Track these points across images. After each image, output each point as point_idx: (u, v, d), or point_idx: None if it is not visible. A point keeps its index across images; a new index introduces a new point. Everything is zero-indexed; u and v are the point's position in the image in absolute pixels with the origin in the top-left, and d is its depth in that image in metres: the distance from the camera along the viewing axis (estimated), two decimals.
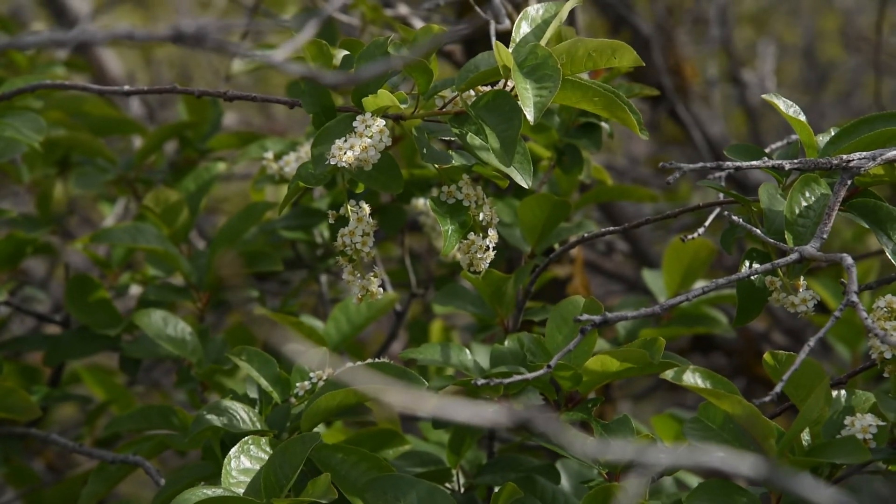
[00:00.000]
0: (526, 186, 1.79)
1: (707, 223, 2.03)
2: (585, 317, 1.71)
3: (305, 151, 2.43)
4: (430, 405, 1.74)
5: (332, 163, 1.76)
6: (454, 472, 2.12)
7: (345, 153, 1.76)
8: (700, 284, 2.20)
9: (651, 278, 2.64)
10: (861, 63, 5.65)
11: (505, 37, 1.93)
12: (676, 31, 4.66)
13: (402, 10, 2.86)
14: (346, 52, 1.90)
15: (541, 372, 1.72)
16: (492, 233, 1.89)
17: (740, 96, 4.95)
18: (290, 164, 2.44)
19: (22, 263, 2.72)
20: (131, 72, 4.93)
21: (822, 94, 5.72)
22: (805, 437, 1.78)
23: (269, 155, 2.49)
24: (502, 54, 1.76)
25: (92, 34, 1.21)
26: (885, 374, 1.81)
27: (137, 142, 3.38)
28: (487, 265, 1.90)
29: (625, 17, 4.13)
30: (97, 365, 3.07)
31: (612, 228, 2.01)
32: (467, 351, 2.02)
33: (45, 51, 3.23)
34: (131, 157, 2.79)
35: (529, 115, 1.72)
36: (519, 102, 1.73)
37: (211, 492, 1.80)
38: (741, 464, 1.19)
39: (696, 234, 1.96)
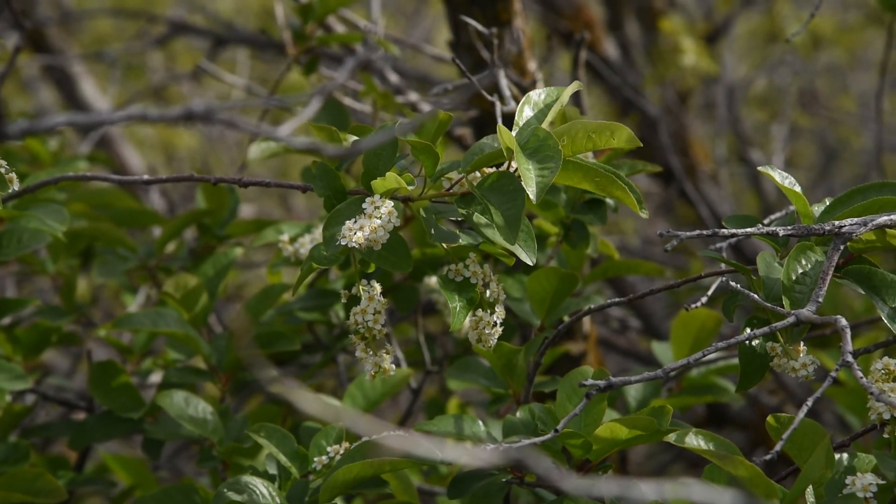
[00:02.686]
0: (530, 263, 1.86)
1: (710, 292, 2.08)
2: (590, 382, 1.76)
3: (319, 234, 2.50)
4: (435, 444, 1.78)
5: (343, 244, 1.83)
6: None
7: (355, 234, 1.83)
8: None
9: (660, 350, 2.69)
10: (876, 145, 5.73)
11: (510, 119, 2.01)
12: (686, 114, 4.75)
13: (413, 96, 2.95)
14: (356, 138, 1.99)
15: (548, 436, 1.77)
16: (499, 309, 1.96)
17: (751, 177, 5.02)
18: (305, 245, 2.51)
19: (45, 355, 2.78)
20: (152, 166, 5.04)
21: (832, 175, 5.79)
22: (809, 497, 1.82)
23: (285, 237, 2.56)
24: (505, 137, 1.84)
25: (108, 116, 1.28)
26: (886, 435, 1.86)
27: (157, 232, 3.47)
28: (496, 340, 1.97)
29: (632, 101, 4.22)
30: (122, 454, 3.12)
31: (617, 300, 2.07)
32: (480, 423, 2.07)
33: (69, 147, 3.33)
34: (152, 246, 2.87)
35: (532, 194, 1.79)
36: (522, 183, 1.81)
37: None
38: (722, 498, 1.24)
39: (699, 303, 2.02)
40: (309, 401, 2.26)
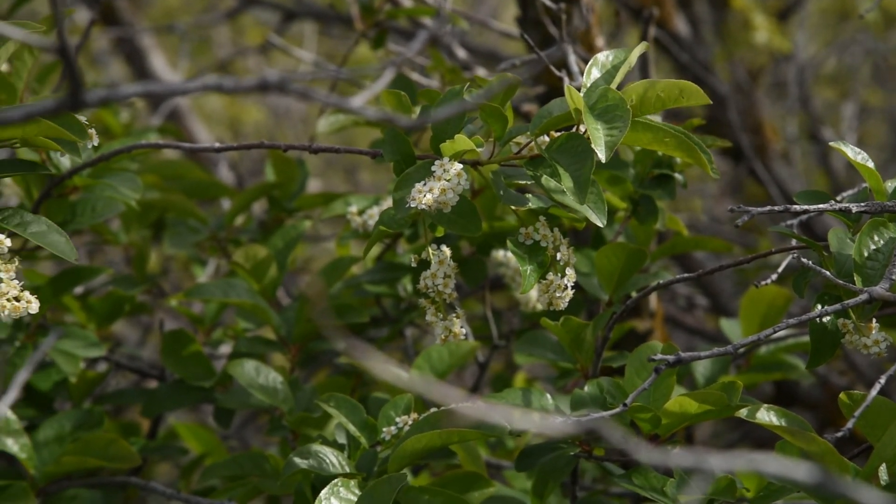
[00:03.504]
0: (600, 225, 1.86)
1: (780, 269, 2.07)
2: (659, 356, 1.76)
3: (388, 204, 2.51)
4: (503, 416, 1.79)
5: (413, 206, 1.84)
6: None
7: (424, 196, 1.84)
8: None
9: (729, 327, 2.67)
10: None
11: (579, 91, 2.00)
12: (756, 92, 4.71)
13: (481, 72, 2.95)
14: (425, 104, 1.99)
15: (617, 410, 1.77)
16: (570, 272, 1.96)
17: (821, 155, 4.97)
18: (374, 217, 2.53)
19: (115, 326, 2.82)
20: (221, 140, 5.07)
21: None
22: (882, 475, 1.81)
23: (353, 209, 2.58)
24: (574, 97, 1.84)
25: (184, 85, 1.29)
26: None
27: (226, 205, 3.50)
28: (566, 304, 1.97)
29: (702, 78, 4.19)
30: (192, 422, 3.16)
31: (685, 276, 2.06)
32: (548, 396, 2.07)
33: (139, 120, 3.36)
34: (222, 218, 2.90)
35: (601, 153, 1.79)
36: (591, 143, 1.80)
37: None
38: (797, 470, 1.23)
39: (769, 280, 2.00)
40: (382, 368, 2.27)
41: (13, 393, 1.36)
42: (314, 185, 5.24)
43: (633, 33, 4.73)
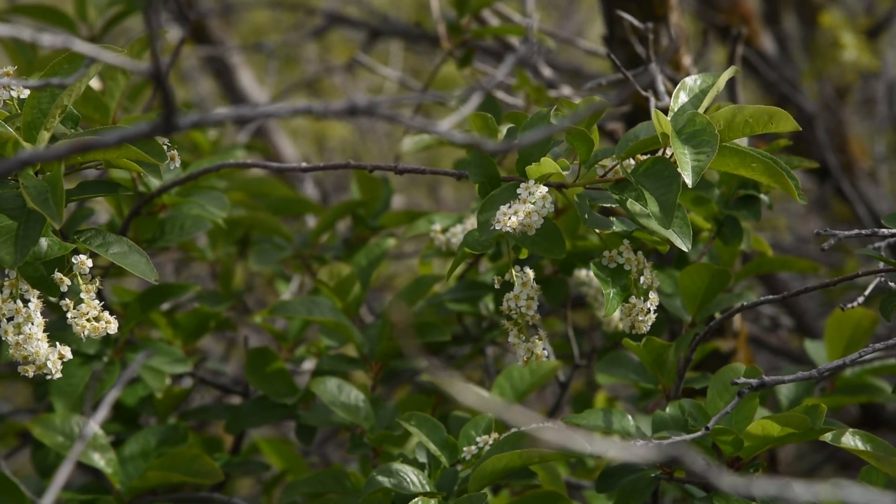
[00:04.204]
0: (685, 249, 1.86)
1: (867, 292, 2.05)
2: (742, 380, 1.75)
3: (471, 223, 2.52)
4: (584, 438, 1.78)
5: (497, 228, 1.85)
6: None
7: (509, 218, 1.85)
8: None
9: (814, 349, 2.64)
10: None
11: (664, 113, 2.00)
12: (844, 110, 4.66)
13: (566, 90, 2.95)
14: (511, 125, 2.00)
15: (699, 433, 1.76)
16: (652, 296, 1.96)
17: None
18: (457, 235, 2.54)
19: (199, 341, 2.85)
20: (307, 155, 5.12)
21: None
22: None
23: (437, 227, 2.59)
24: (662, 122, 1.84)
25: (275, 109, 1.32)
26: None
27: (311, 222, 3.53)
28: (649, 328, 1.97)
29: (789, 96, 4.15)
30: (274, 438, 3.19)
31: (770, 297, 2.04)
32: (629, 417, 2.07)
33: (226, 136, 3.40)
34: (306, 236, 2.92)
35: (688, 179, 1.78)
36: (678, 168, 1.80)
37: None
38: (883, 500, 1.22)
39: (856, 303, 1.99)
40: (463, 390, 2.28)
41: (103, 411, 1.38)
42: (397, 202, 5.27)
43: (719, 52, 4.70)
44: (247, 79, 4.84)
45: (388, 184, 2.95)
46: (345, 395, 2.35)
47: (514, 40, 3.13)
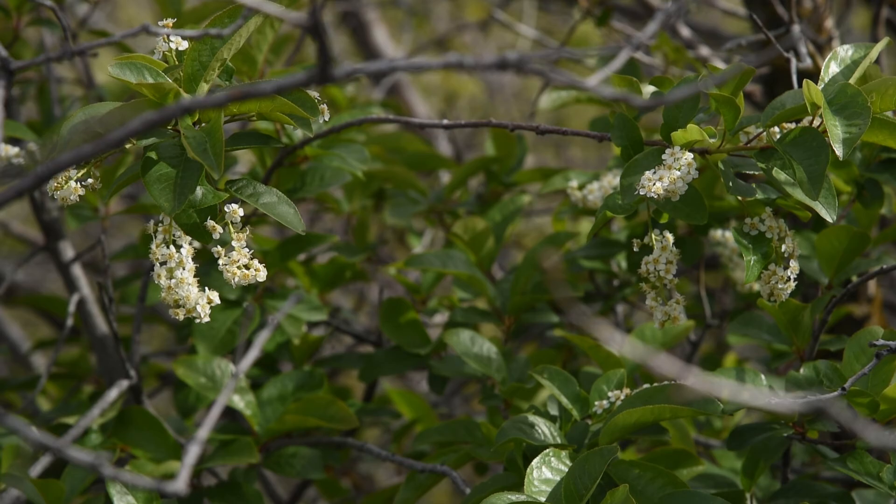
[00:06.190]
0: (831, 221, 1.86)
1: None
2: (881, 342, 1.75)
3: (608, 181, 2.53)
4: (724, 391, 1.79)
5: (642, 193, 1.86)
6: (747, 495, 2.16)
7: (654, 184, 1.86)
8: None
9: None
10: None
11: (804, 76, 1.99)
12: None
13: (704, 51, 2.94)
14: (655, 88, 2.01)
15: (834, 394, 1.76)
16: (793, 264, 1.96)
17: None
18: (594, 192, 2.55)
19: (330, 294, 2.90)
20: (442, 112, 5.15)
21: None
22: None
23: (574, 184, 2.61)
24: (812, 92, 1.83)
25: (426, 62, 1.34)
26: None
27: (444, 177, 3.57)
28: (787, 296, 1.97)
29: None
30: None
31: None
32: (762, 376, 2.07)
33: (361, 93, 3.45)
34: (441, 191, 2.96)
35: (839, 150, 1.78)
36: (827, 138, 1.80)
37: (515, 497, 1.92)
38: None
39: None
40: (607, 334, 2.29)
41: (255, 352, 1.43)
42: (528, 161, 5.28)
43: (861, 13, 4.62)
44: (381, 36, 4.88)
45: (524, 141, 2.97)
46: (477, 346, 2.39)
47: (657, 1, 3.12)
